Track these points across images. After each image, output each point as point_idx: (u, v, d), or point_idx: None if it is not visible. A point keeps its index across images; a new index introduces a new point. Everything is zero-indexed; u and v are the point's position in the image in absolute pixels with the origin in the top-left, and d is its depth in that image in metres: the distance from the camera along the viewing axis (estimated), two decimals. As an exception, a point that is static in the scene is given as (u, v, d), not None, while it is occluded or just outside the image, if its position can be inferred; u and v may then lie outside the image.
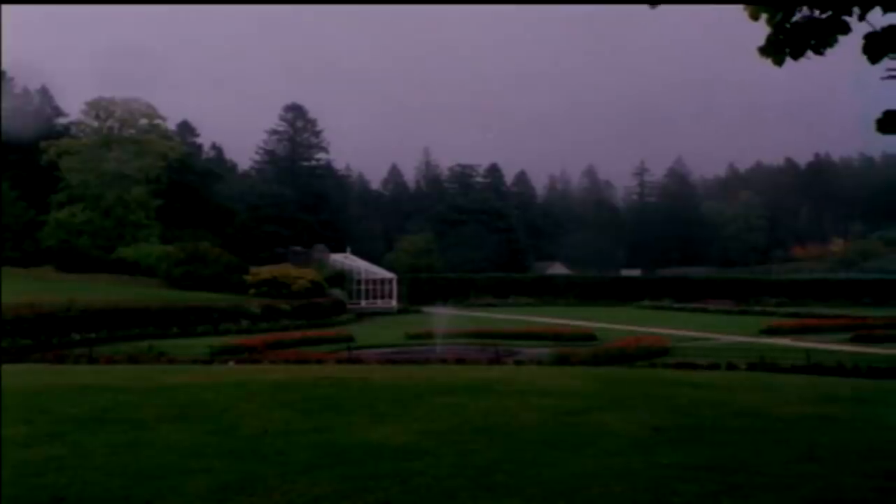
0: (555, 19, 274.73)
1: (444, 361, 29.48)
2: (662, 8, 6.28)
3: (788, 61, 5.96)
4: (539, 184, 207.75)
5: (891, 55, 5.27)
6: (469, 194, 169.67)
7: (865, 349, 37.12)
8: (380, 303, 77.42)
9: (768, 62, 6.00)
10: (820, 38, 5.66)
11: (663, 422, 14.10)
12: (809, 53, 5.84)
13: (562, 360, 29.75)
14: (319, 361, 29.31)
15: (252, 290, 64.03)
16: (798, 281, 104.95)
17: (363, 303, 76.42)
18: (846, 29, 5.62)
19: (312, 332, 46.94)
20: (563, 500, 8.95)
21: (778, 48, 5.73)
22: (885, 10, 5.42)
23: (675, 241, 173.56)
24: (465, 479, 9.81)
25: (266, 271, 67.16)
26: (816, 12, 5.60)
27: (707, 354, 31.17)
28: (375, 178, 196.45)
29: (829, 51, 5.93)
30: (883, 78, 5.43)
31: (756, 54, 5.92)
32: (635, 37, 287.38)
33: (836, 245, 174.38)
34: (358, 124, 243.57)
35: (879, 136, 5.68)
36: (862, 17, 5.50)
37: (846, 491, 9.46)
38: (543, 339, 42.37)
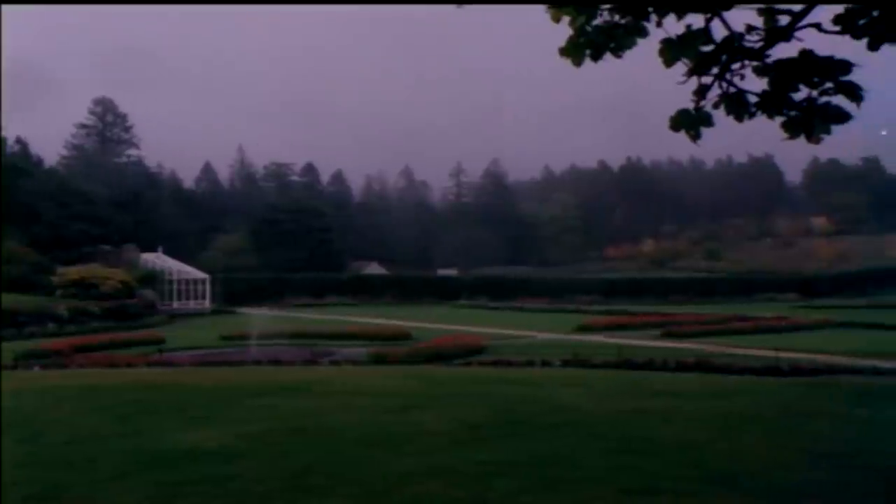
0: (373, 19, 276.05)
1: (258, 363, 29.08)
2: (481, 8, 6.29)
3: (605, 64, 6.09)
4: (356, 183, 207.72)
5: (684, 59, 5.42)
6: (285, 193, 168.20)
7: (674, 344, 38.44)
8: (193, 304, 75.84)
9: (587, 65, 6.12)
10: (619, 41, 5.80)
11: (480, 419, 14.21)
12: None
13: (378, 360, 29.79)
14: (130, 365, 28.41)
15: (59, 292, 61.73)
16: (611, 280, 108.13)
17: (175, 304, 74.65)
18: (644, 33, 5.78)
19: (122, 335, 45.46)
20: (381, 500, 8.90)
21: (578, 50, 5.83)
22: (680, 17, 5.58)
23: (491, 241, 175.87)
24: (281, 481, 9.64)
25: (74, 272, 64.81)
26: (617, 17, 5.73)
27: (523, 352, 31.72)
28: (188, 176, 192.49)
29: (643, 54, 6.09)
30: (678, 83, 5.60)
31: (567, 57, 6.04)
32: (451, 38, 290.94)
33: (648, 245, 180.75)
34: (169, 120, 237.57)
35: (686, 139, 5.83)
36: (659, 24, 5.65)
37: (660, 481, 9.72)
38: (360, 338, 42.36)
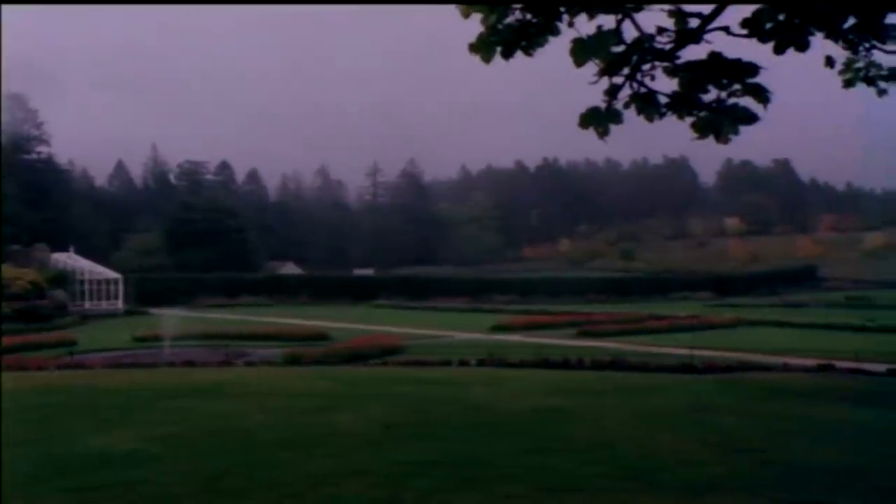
0: (288, 15, 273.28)
1: (172, 364, 28.65)
2: (397, 8, 6.27)
3: (522, 63, 6.12)
4: (271, 182, 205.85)
5: (595, 59, 5.47)
6: (199, 192, 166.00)
7: (590, 343, 38.76)
8: (105, 304, 74.47)
9: (501, 65, 6.15)
10: (530, 39, 5.83)
11: (396, 419, 14.21)
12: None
13: (294, 361, 29.54)
14: (40, 368, 27.82)
15: (-34, 293, 60.28)
16: (528, 279, 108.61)
17: (87, 304, 73.14)
18: (556, 32, 5.82)
19: (32, 337, 44.38)
20: (296, 502, 8.83)
21: (488, 47, 5.85)
22: (591, 17, 5.63)
23: (409, 241, 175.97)
24: (194, 485, 9.53)
25: (-20, 272, 63.32)
26: (528, 15, 5.76)
27: (440, 352, 31.71)
28: (101, 175, 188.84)
29: (557, 54, 6.13)
30: (590, 83, 5.65)
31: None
32: (365, 34, 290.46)
33: (564, 245, 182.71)
34: (80, 117, 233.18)
35: (603, 141, 5.88)
36: (570, 23, 5.69)
37: (576, 479, 9.80)
38: (276, 339, 41.96)
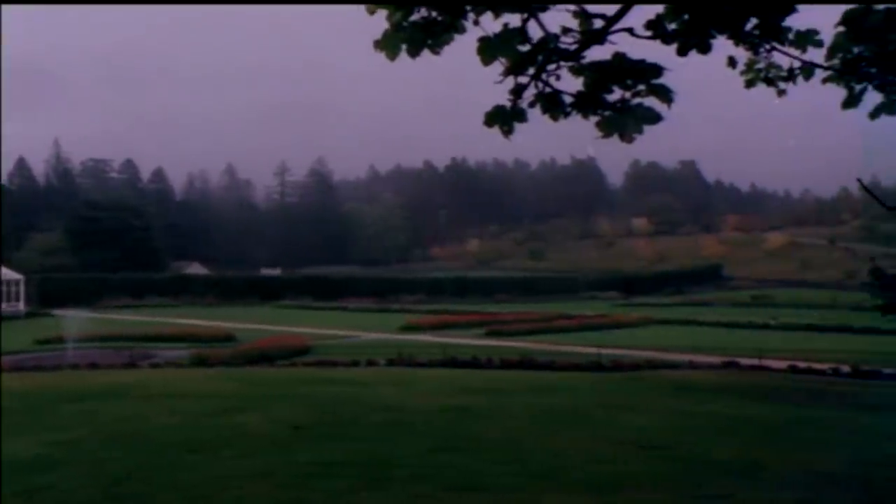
0: (186, 12, 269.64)
1: (76, 367, 28.15)
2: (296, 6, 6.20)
3: (430, 62, 6.10)
4: (177, 181, 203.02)
5: (501, 58, 5.48)
6: (103, 190, 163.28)
7: (499, 343, 38.97)
8: (6, 306, 72.70)
9: (409, 64, 6.12)
10: (436, 37, 5.82)
11: (303, 420, 14.10)
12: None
13: (200, 362, 29.24)
14: (-62, 371, 27.14)
15: None
16: (437, 279, 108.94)
17: (-13, 306, 71.67)
18: (461, 30, 5.81)
19: (-71, 340, 43.40)
20: (200, 505, 8.71)
21: (393, 44, 5.83)
22: (497, 15, 5.64)
23: (316, 240, 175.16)
24: (97, 489, 9.32)
25: None
26: (434, 13, 5.75)
27: (348, 352, 31.64)
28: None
29: (464, 53, 6.13)
30: (496, 82, 5.66)
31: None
32: (274, 31, 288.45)
33: (473, 245, 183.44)
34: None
35: (511, 142, 5.89)
36: (476, 22, 5.69)
37: (484, 477, 9.82)
38: (181, 340, 41.39)
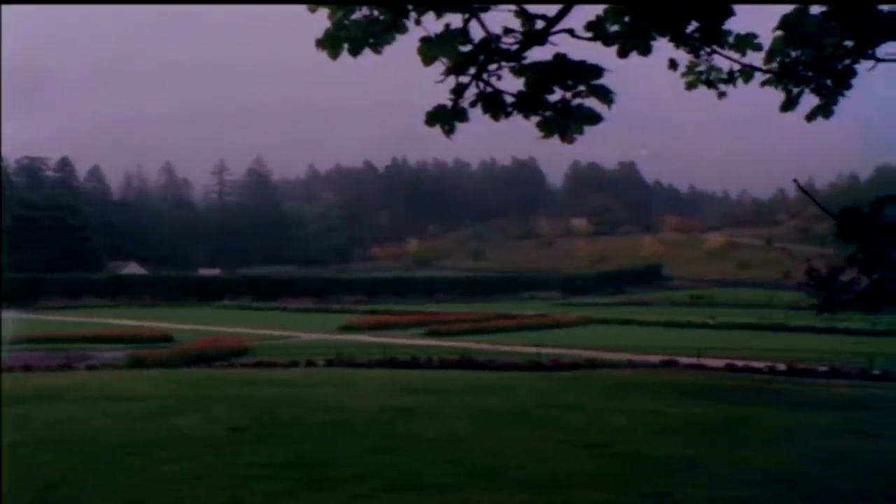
0: (122, 9, 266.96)
1: (10, 369, 27.63)
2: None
3: (370, 61, 6.08)
4: (114, 180, 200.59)
5: (442, 58, 5.47)
6: (39, 189, 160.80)
7: (439, 343, 38.98)
8: (-63, 307, 71.64)
9: (350, 63, 6.10)
10: (377, 36, 5.81)
11: (242, 421, 13.97)
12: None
13: (138, 364, 28.88)
14: None
15: None
16: (376, 279, 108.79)
17: (-83, 308, 70.30)
18: (403, 29, 5.80)
19: None
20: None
21: (335, 43, 5.80)
22: (438, 16, 5.63)
23: (255, 240, 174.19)
24: (29, 495, 9.16)
25: None
26: (375, 12, 5.74)
27: (287, 353, 31.50)
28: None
29: (405, 52, 6.11)
30: (437, 81, 5.64)
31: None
32: (210, 28, 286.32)
33: (413, 245, 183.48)
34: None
35: (452, 142, 5.88)
36: (418, 21, 5.68)
37: (423, 477, 9.80)
38: (118, 341, 40.87)
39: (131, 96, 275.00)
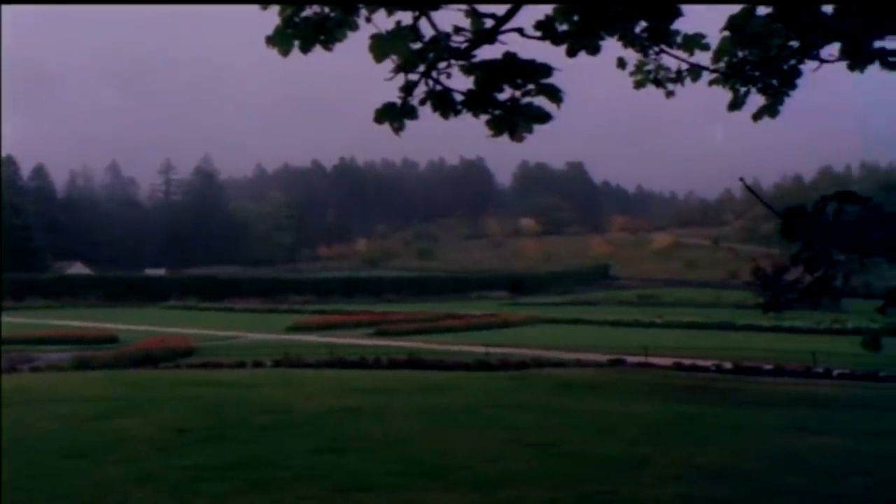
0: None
1: (-52, 373, 27.27)
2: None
3: (320, 60, 6.05)
4: (59, 179, 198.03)
5: (393, 56, 5.46)
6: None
7: (387, 343, 38.91)
8: None
9: (300, 61, 6.08)
10: (328, 34, 5.78)
11: (188, 423, 13.86)
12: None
13: (83, 365, 28.57)
14: None
15: None
16: (325, 279, 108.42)
17: None
18: (354, 27, 5.79)
19: None
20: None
21: (285, 40, 5.78)
22: (389, 13, 5.62)
23: (202, 240, 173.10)
24: (-32, 499, 9.00)
25: None
26: (326, 9, 5.71)
27: (234, 353, 31.35)
28: None
29: (356, 50, 6.09)
30: (386, 79, 5.62)
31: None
32: (156, 25, 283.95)
33: (361, 245, 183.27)
34: None
35: (400, 141, 5.88)
36: (369, 19, 5.66)
37: (371, 478, 9.76)
38: (63, 343, 40.37)
39: (81, 94, 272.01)
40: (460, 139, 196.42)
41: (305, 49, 5.84)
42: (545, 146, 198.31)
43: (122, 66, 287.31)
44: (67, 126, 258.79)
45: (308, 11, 5.76)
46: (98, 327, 49.27)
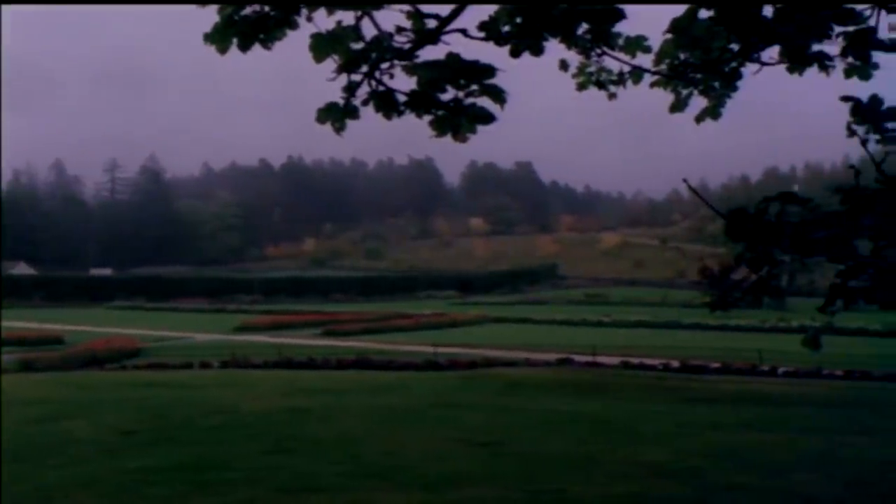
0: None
1: None
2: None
3: (267, 58, 6.04)
4: (2, 178, 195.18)
5: (334, 55, 5.46)
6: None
7: (335, 343, 38.86)
8: None
9: (245, 59, 6.05)
10: (268, 32, 5.76)
11: (133, 425, 13.75)
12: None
13: (27, 367, 28.25)
14: None
15: None
16: (272, 279, 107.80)
17: None
18: (294, 25, 5.77)
19: None
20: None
21: (224, 38, 5.75)
22: (330, 12, 5.61)
23: (148, 239, 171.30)
24: None
25: None
26: (266, 8, 5.70)
27: (181, 354, 31.16)
28: None
29: (300, 49, 6.07)
30: (328, 79, 5.61)
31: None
32: (112, 28, 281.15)
33: (309, 244, 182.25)
34: None
35: (348, 141, 5.87)
36: (309, 18, 5.65)
37: (317, 478, 9.74)
38: (7, 344, 39.84)
39: (25, 92, 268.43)
40: (409, 139, 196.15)
41: (244, 47, 5.81)
42: (494, 146, 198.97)
43: (67, 64, 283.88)
44: (11, 125, 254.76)
45: (248, 10, 5.73)
46: (43, 328, 48.77)
